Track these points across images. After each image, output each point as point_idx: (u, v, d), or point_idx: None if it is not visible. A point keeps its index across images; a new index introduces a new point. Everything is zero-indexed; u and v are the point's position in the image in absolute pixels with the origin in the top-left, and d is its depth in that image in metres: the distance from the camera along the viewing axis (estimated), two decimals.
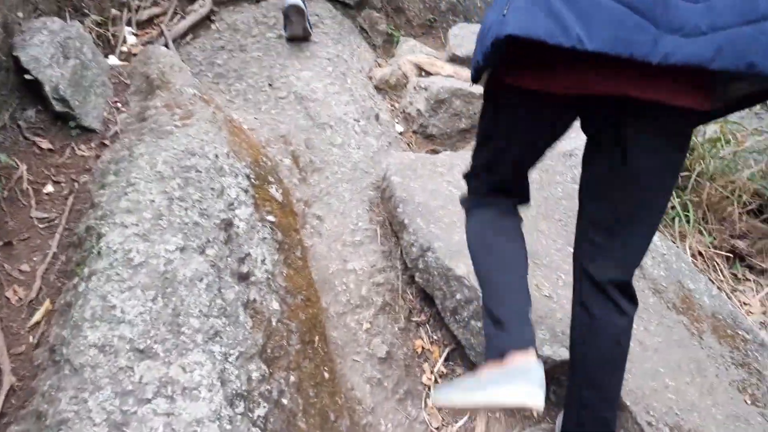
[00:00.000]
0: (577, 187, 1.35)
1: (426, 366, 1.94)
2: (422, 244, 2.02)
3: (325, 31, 3.39)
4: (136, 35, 3.09)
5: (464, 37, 3.59)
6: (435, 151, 3.09)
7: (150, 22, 3.28)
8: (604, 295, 1.29)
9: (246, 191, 1.80)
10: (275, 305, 1.59)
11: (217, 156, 1.80)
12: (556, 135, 1.32)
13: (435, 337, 2.03)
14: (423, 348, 2.00)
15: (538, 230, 2.24)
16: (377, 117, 2.95)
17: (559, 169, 2.65)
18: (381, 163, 2.61)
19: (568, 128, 1.31)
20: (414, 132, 3.15)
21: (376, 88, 3.38)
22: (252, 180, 1.90)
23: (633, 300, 1.32)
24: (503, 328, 1.22)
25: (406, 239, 2.10)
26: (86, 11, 2.65)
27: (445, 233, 2.06)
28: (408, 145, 3.09)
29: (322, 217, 2.25)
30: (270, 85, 2.85)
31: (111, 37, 2.89)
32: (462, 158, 2.56)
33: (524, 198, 1.47)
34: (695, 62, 0.98)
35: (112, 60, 2.47)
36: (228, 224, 1.65)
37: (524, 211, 1.47)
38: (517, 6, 1.02)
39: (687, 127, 1.19)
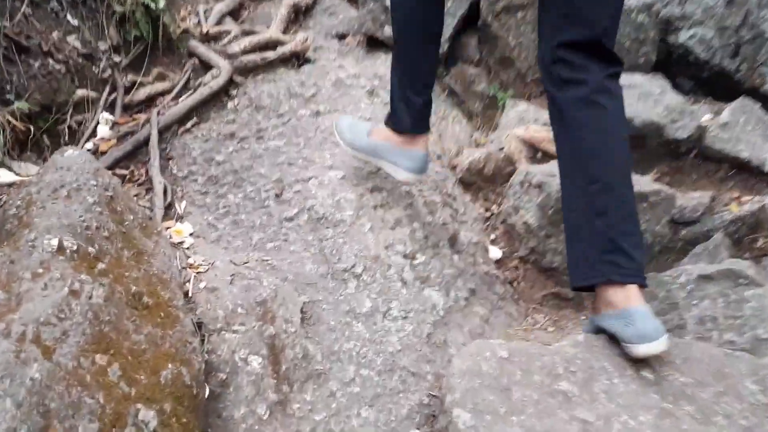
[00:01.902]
0: None
1: None
2: None
3: (386, 101, 2.28)
4: (116, 123, 2.20)
5: None
6: (557, 297, 1.79)
7: (151, 102, 2.41)
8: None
9: None
10: None
11: None
12: None
13: None
14: None
15: None
16: (453, 241, 1.74)
17: None
18: (445, 347, 1.38)
19: None
20: (521, 259, 1.88)
21: (462, 182, 2.17)
22: None
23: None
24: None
25: None
26: (8, 96, 1.78)
27: None
28: (511, 284, 1.82)
29: None
30: (278, 195, 1.77)
31: (67, 130, 2.02)
32: (607, 350, 1.24)
33: None
34: None
35: (5, 175, 1.52)
36: None
37: None
38: None
39: None
